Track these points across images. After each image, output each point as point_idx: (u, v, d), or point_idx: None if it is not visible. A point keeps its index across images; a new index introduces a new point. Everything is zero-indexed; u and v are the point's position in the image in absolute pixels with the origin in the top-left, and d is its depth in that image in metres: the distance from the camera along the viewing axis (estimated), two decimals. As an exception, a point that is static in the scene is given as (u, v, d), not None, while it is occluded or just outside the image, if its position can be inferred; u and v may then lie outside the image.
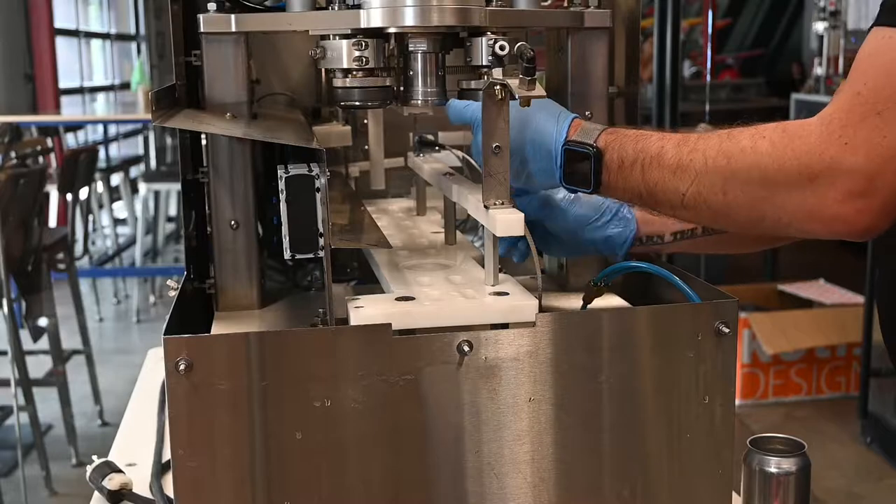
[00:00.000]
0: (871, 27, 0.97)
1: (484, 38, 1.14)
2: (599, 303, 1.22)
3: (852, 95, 0.94)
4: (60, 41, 7.85)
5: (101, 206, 6.67)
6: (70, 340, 4.45)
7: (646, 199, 1.09)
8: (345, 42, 1.16)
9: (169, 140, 7.75)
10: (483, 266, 1.22)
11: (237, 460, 1.01)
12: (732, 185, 1.01)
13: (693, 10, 7.29)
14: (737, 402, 1.08)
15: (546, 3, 1.27)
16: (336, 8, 1.17)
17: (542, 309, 1.09)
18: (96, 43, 9.31)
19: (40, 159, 5.15)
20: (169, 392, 0.99)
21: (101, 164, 6.49)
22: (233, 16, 1.20)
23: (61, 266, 4.36)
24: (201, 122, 1.21)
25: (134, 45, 10.11)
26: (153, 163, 8.15)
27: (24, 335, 3.79)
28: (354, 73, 1.18)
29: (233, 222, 1.25)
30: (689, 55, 7.14)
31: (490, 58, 1.10)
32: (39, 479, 3.69)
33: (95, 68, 9.29)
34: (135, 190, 6.84)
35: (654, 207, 1.11)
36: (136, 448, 1.53)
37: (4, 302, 3.47)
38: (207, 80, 1.22)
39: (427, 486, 1.05)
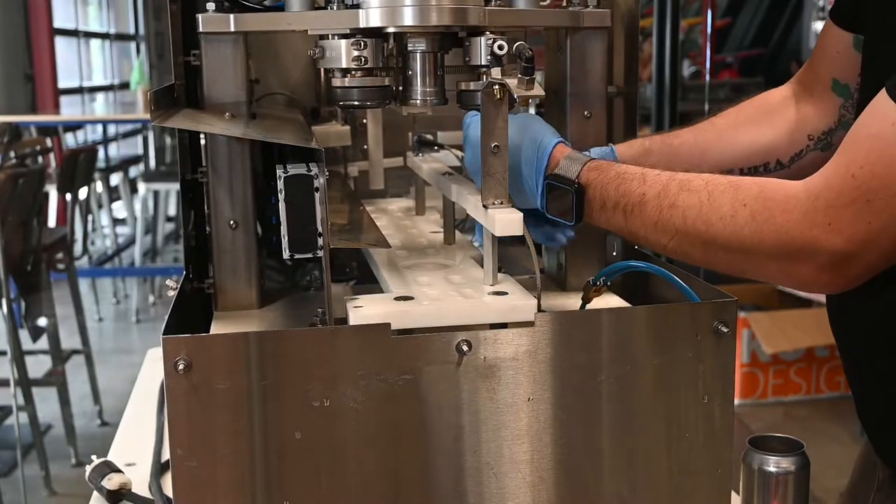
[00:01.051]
0: (887, 87, 0.93)
1: (483, 38, 1.14)
2: (598, 302, 1.22)
3: (846, 176, 0.93)
4: (60, 41, 7.85)
5: (100, 206, 6.67)
6: (69, 340, 4.45)
7: (630, 238, 1.12)
8: (344, 42, 1.16)
9: (168, 140, 7.74)
10: (482, 266, 1.22)
11: (236, 460, 1.01)
12: (712, 249, 1.02)
13: (692, 9, 7.29)
14: (736, 401, 1.08)
15: (545, 3, 1.27)
16: (335, 8, 1.17)
17: (541, 309, 1.09)
18: (95, 43, 9.31)
19: (39, 159, 5.15)
20: (168, 392, 0.99)
21: (101, 163, 6.49)
22: (232, 16, 1.20)
23: (61, 266, 4.36)
24: (200, 121, 1.21)
25: (133, 45, 10.11)
26: (152, 163, 8.15)
27: (24, 335, 3.78)
28: (353, 72, 1.18)
29: (232, 222, 1.25)
30: (689, 55, 7.14)
31: (489, 57, 1.10)
32: (39, 479, 3.69)
33: (95, 68, 9.29)
34: (134, 190, 6.84)
35: (634, 240, 1.14)
36: (135, 448, 1.53)
37: (4, 302, 3.47)
38: (206, 79, 1.22)
39: (426, 485, 1.05)
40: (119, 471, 1.40)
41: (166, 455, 1.37)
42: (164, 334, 0.99)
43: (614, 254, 1.39)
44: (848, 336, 1.22)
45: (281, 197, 1.13)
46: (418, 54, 1.18)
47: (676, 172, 1.06)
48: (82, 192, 5.01)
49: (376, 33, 1.16)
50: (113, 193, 6.93)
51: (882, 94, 0.94)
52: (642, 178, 1.06)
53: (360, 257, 1.43)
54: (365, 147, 1.63)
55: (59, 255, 4.34)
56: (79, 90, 8.44)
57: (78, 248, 4.82)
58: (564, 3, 1.29)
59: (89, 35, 9.05)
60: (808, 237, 0.94)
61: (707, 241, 1.01)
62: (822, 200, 0.94)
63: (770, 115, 1.37)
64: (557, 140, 1.16)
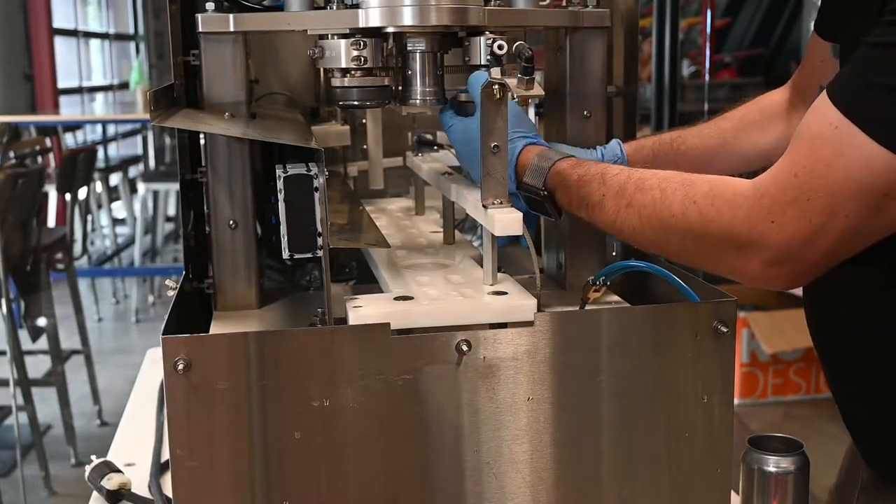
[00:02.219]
0: (827, 88, 0.97)
1: (482, 38, 1.14)
2: (598, 302, 1.22)
3: (789, 175, 0.96)
4: (59, 41, 7.85)
5: (99, 206, 6.67)
6: (69, 340, 4.45)
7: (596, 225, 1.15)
8: (343, 42, 1.16)
9: (168, 140, 7.74)
10: (482, 265, 1.22)
11: (236, 460, 1.01)
12: (667, 243, 1.06)
13: (692, 9, 7.29)
14: (735, 401, 1.08)
15: (544, 3, 1.27)
16: (334, 7, 1.17)
17: (540, 308, 1.09)
18: (95, 43, 9.31)
19: (39, 159, 5.15)
20: (167, 392, 0.99)
21: (100, 163, 6.48)
22: (231, 15, 1.20)
23: (60, 266, 4.36)
24: (200, 121, 1.21)
25: (133, 45, 10.11)
26: (152, 163, 8.15)
27: (23, 335, 3.78)
28: (353, 72, 1.18)
29: (231, 222, 1.25)
30: (688, 54, 7.13)
31: (488, 57, 1.10)
32: (38, 479, 3.69)
33: (94, 68, 9.29)
34: (133, 190, 6.84)
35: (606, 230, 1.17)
36: (134, 448, 1.53)
37: (3, 302, 3.47)
38: (206, 79, 1.22)
39: (426, 485, 1.05)
40: (118, 471, 1.40)
41: (166, 455, 1.37)
42: (163, 334, 0.99)
43: (614, 254, 1.39)
44: (826, 342, 1.23)
45: (280, 197, 1.13)
46: (418, 54, 1.18)
47: (634, 170, 1.10)
48: (82, 192, 5.01)
49: (376, 33, 1.16)
50: (112, 193, 6.93)
51: (823, 96, 0.96)
52: (602, 179, 1.10)
53: (360, 257, 1.43)
54: (364, 147, 1.63)
55: (59, 255, 4.34)
56: (78, 90, 8.44)
57: (77, 248, 4.82)
58: (564, 3, 1.29)
59: (89, 35, 9.05)
60: (754, 233, 0.97)
61: (661, 237, 1.05)
62: (768, 198, 0.97)
63: (771, 120, 1.40)
64: (523, 144, 1.19)
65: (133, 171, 7.61)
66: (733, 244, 0.99)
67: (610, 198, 1.09)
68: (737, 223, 0.98)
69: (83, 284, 5.65)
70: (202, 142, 1.26)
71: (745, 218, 0.98)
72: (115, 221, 7.02)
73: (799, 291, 1.18)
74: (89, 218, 5.68)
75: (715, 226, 1.00)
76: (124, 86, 8.85)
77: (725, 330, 1.07)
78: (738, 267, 1.01)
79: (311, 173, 1.13)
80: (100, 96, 8.95)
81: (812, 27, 1.36)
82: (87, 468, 1.41)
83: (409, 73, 1.19)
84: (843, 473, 1.36)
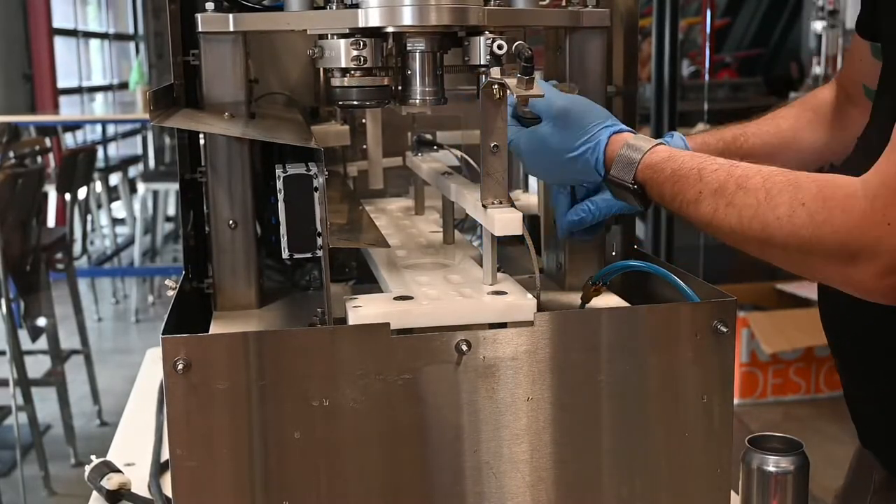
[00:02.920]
0: None
1: (482, 38, 1.14)
2: (598, 302, 1.22)
3: None
4: (59, 41, 7.85)
5: (99, 206, 6.67)
6: (69, 340, 4.45)
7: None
8: (343, 41, 1.16)
9: (167, 140, 7.75)
10: (481, 265, 1.22)
11: (236, 460, 1.01)
12: (770, 248, 1.01)
13: (692, 9, 7.29)
14: (735, 401, 1.07)
15: (544, 3, 1.27)
16: (334, 7, 1.16)
17: (540, 308, 1.09)
18: (95, 43, 9.31)
19: (39, 159, 5.15)
20: (167, 392, 0.99)
21: (100, 163, 6.48)
22: (231, 15, 1.20)
23: (60, 266, 4.36)
24: (199, 121, 1.21)
25: (132, 45, 10.11)
26: (152, 162, 8.15)
27: (23, 335, 3.78)
28: (352, 72, 1.18)
29: (231, 222, 1.25)
30: (688, 54, 7.13)
31: (488, 57, 1.10)
32: (38, 479, 3.69)
33: (94, 68, 9.29)
34: (133, 190, 6.84)
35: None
36: (134, 448, 1.53)
37: (3, 302, 3.47)
38: (206, 79, 1.22)
39: (425, 485, 1.05)
40: (118, 471, 1.40)
41: (166, 455, 1.37)
42: (163, 334, 0.99)
43: (613, 253, 1.39)
44: (841, 340, 1.22)
45: (280, 197, 1.13)
46: (417, 54, 1.18)
47: (734, 165, 1.05)
48: (81, 192, 5.01)
49: (375, 33, 1.16)
50: (112, 193, 6.93)
51: None
52: (699, 175, 1.06)
53: (360, 257, 1.43)
54: (364, 147, 1.63)
55: (59, 255, 4.34)
56: (78, 90, 8.44)
57: (77, 248, 4.82)
58: (564, 3, 1.29)
59: (88, 35, 9.05)
60: (870, 238, 0.92)
61: (763, 240, 1.00)
62: (881, 199, 0.92)
63: (825, 118, 1.40)
64: (608, 134, 1.15)
65: (133, 170, 7.61)
66: (847, 252, 0.94)
67: (707, 195, 1.04)
68: (851, 227, 0.93)
69: (83, 284, 5.66)
70: (202, 142, 1.26)
71: (860, 221, 0.92)
72: (115, 221, 7.02)
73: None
74: (89, 218, 5.68)
75: (828, 230, 0.94)
76: (124, 86, 8.85)
77: (725, 330, 1.07)
78: (850, 276, 0.95)
79: (311, 173, 1.13)
80: (99, 96, 8.95)
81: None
82: (87, 468, 1.41)
83: (409, 72, 1.19)
84: (850, 476, 1.35)
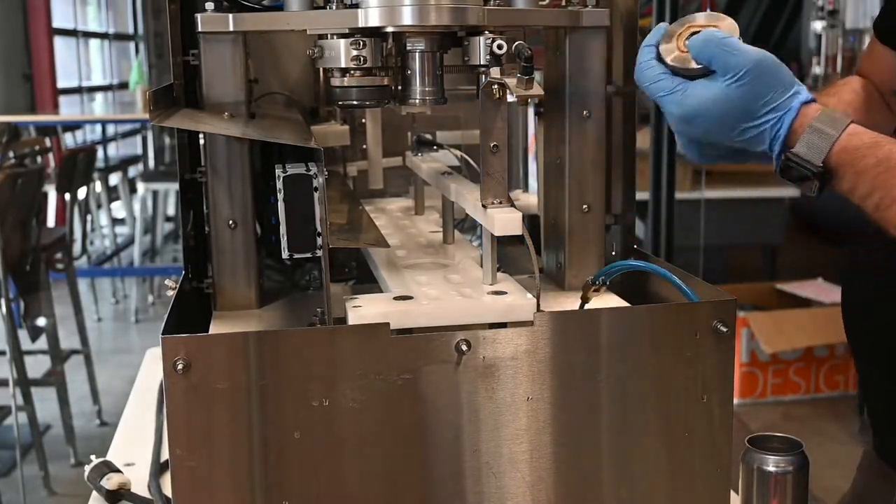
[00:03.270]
0: None
1: (482, 38, 1.14)
2: (597, 302, 1.22)
3: None
4: (59, 41, 7.85)
5: (99, 206, 6.67)
6: (68, 340, 4.45)
7: (876, 224, 0.94)
8: (342, 41, 1.16)
9: (167, 140, 7.75)
10: (481, 265, 1.22)
11: (235, 460, 1.01)
12: None
13: (691, 9, 7.29)
14: (735, 400, 1.07)
15: (544, 3, 1.27)
16: (334, 7, 1.16)
17: (540, 308, 1.09)
18: (94, 43, 9.32)
19: (38, 159, 5.16)
20: (167, 392, 0.99)
21: (100, 163, 6.48)
22: (231, 15, 1.20)
23: (60, 266, 4.36)
24: (199, 121, 1.21)
25: (132, 45, 10.11)
26: (151, 162, 8.15)
27: (23, 335, 3.78)
28: (352, 72, 1.18)
29: (231, 222, 1.25)
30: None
31: (488, 57, 1.10)
32: (38, 479, 3.69)
33: (94, 68, 9.29)
34: (133, 190, 6.84)
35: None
36: (134, 448, 1.53)
37: (3, 302, 3.47)
38: (205, 79, 1.22)
39: (425, 485, 1.05)
40: (118, 471, 1.40)
41: (165, 455, 1.37)
42: (163, 334, 0.99)
43: (613, 253, 1.39)
44: (862, 336, 1.20)
45: (280, 197, 1.13)
46: (417, 54, 1.18)
47: None
48: (81, 192, 5.01)
49: (375, 33, 1.16)
50: (112, 193, 6.93)
51: None
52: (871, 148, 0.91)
53: (360, 257, 1.43)
54: (364, 147, 1.63)
55: (58, 255, 4.34)
56: (78, 90, 8.44)
57: (77, 248, 4.82)
58: (563, 3, 1.29)
59: (88, 35, 9.05)
60: None
61: None
62: None
63: (870, 102, 1.28)
64: (799, 102, 0.98)
65: (132, 170, 7.61)
66: None
67: None
68: None
69: (83, 284, 5.65)
70: (201, 142, 1.26)
71: None
72: (115, 221, 7.02)
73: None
74: (89, 218, 5.68)
75: None
76: (124, 86, 8.86)
77: (725, 330, 1.07)
78: None
79: (311, 173, 1.13)
80: (99, 96, 8.95)
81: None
82: (87, 468, 1.41)
83: (409, 72, 1.19)
84: (859, 487, 1.31)
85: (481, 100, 1.12)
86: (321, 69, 1.49)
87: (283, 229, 1.14)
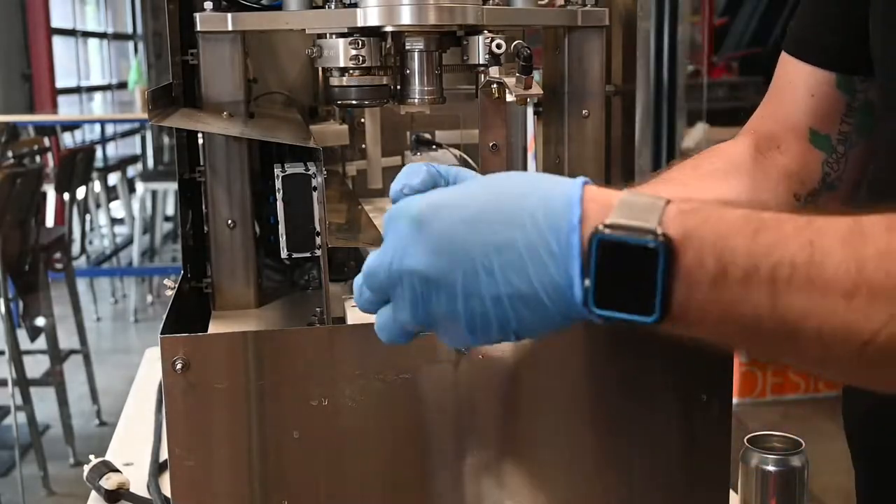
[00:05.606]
0: None
1: (481, 37, 1.14)
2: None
3: None
4: (57, 40, 7.85)
5: (98, 206, 6.67)
6: (67, 340, 4.45)
7: (766, 338, 0.65)
8: (341, 41, 1.16)
9: (166, 139, 7.76)
10: (480, 265, 1.21)
11: (234, 459, 1.01)
12: None
13: (691, 9, 7.28)
14: (734, 400, 1.07)
15: (543, 2, 1.27)
16: (333, 7, 1.16)
17: (539, 308, 1.09)
18: (93, 42, 9.32)
19: (37, 159, 5.16)
20: (166, 391, 0.99)
21: (99, 163, 6.49)
22: (229, 15, 1.19)
23: (58, 266, 4.36)
24: (198, 121, 1.20)
25: (131, 45, 10.12)
26: (150, 162, 8.16)
27: (22, 335, 3.78)
28: (351, 71, 1.18)
29: (230, 221, 1.25)
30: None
31: (487, 56, 1.10)
32: (37, 479, 3.69)
33: (92, 68, 9.29)
34: (132, 189, 6.85)
35: (779, 353, 0.68)
36: (133, 447, 1.53)
37: (2, 302, 3.47)
38: (204, 79, 1.22)
39: (425, 485, 1.05)
40: (117, 470, 1.40)
41: (164, 455, 1.37)
42: (161, 334, 0.99)
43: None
44: (867, 444, 1.16)
45: (279, 196, 1.13)
46: (416, 53, 1.18)
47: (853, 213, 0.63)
48: (80, 192, 5.02)
49: (374, 32, 1.16)
50: (111, 193, 6.93)
51: None
52: (807, 222, 0.62)
53: (359, 256, 1.43)
54: (363, 146, 1.63)
55: (57, 255, 4.33)
56: (77, 90, 8.45)
57: (76, 247, 4.83)
58: (563, 2, 1.29)
59: (87, 34, 9.06)
60: None
61: None
62: None
63: (738, 171, 1.07)
64: (585, 179, 0.71)
65: (131, 170, 7.61)
66: None
67: (835, 246, 0.60)
68: None
69: (82, 284, 5.65)
70: (200, 141, 1.26)
71: None
72: (114, 221, 7.02)
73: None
74: (88, 217, 5.69)
75: None
76: (123, 85, 8.86)
77: (724, 329, 1.07)
78: None
79: (310, 173, 1.13)
80: (98, 96, 8.96)
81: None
82: (86, 468, 1.41)
83: (408, 72, 1.19)
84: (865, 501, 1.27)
85: (480, 99, 1.12)
86: (320, 68, 1.49)
87: (281, 229, 1.14)
